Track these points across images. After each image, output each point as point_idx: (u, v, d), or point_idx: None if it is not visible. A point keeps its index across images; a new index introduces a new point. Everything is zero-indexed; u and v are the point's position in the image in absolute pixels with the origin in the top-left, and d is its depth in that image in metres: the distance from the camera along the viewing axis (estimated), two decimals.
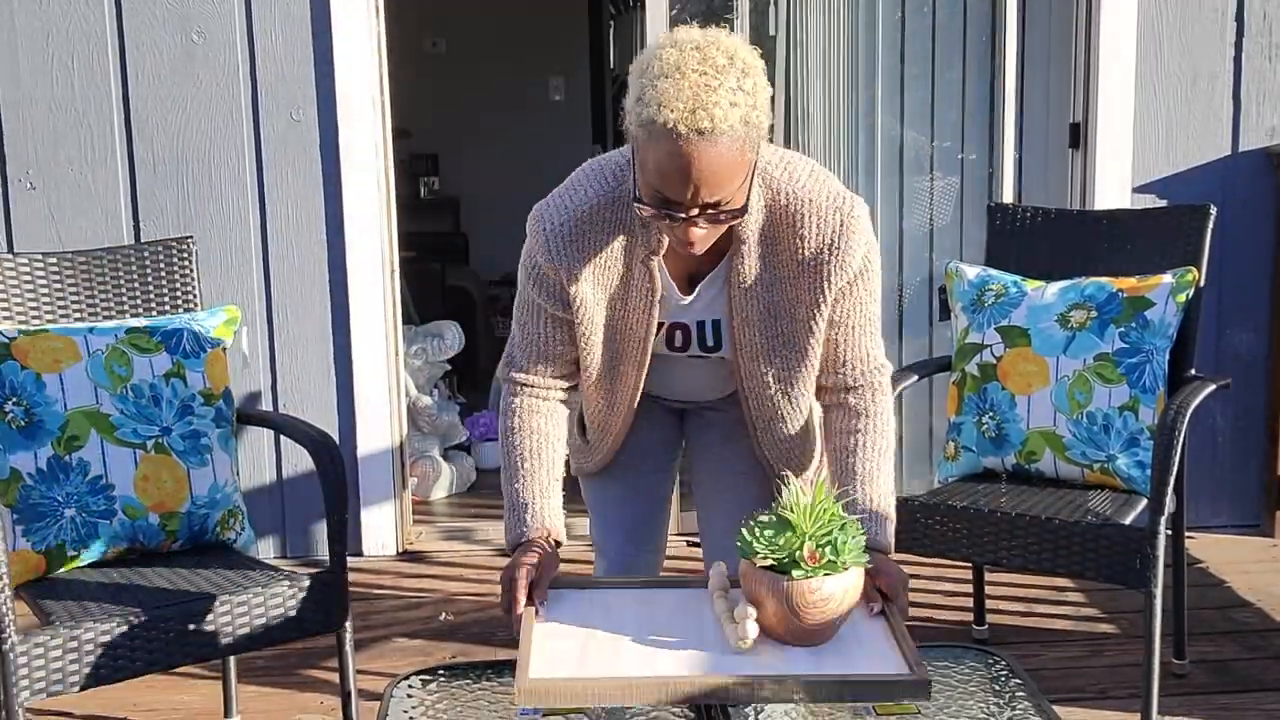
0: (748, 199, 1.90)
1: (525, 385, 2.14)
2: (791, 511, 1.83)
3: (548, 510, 2.07)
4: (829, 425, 2.16)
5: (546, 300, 2.08)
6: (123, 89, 3.79)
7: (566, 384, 2.17)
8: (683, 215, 1.86)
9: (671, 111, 1.78)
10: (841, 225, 2.01)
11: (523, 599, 1.89)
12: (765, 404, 2.17)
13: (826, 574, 1.79)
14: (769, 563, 1.81)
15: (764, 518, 1.86)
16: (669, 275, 2.06)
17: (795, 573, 1.79)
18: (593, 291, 2.05)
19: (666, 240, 1.99)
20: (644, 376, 2.15)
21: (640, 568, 2.41)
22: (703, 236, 1.90)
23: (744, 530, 1.85)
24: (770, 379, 2.12)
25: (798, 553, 1.80)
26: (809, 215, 2.00)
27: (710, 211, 1.86)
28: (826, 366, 2.13)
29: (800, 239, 2.00)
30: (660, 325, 2.09)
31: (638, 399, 2.19)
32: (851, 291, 2.07)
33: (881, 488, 2.09)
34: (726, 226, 1.92)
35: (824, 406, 2.18)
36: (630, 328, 2.08)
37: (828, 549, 1.80)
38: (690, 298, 2.07)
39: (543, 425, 2.13)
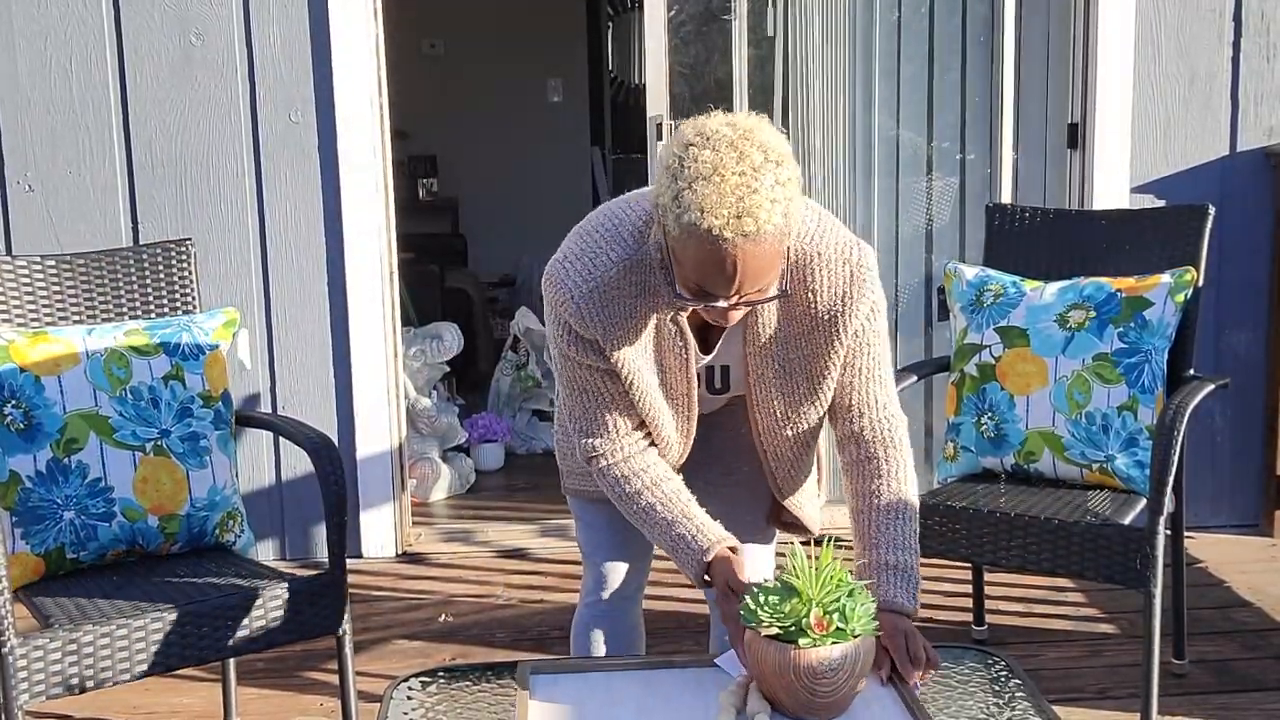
0: (783, 280, 1.95)
1: (613, 454, 2.10)
2: (797, 577, 1.74)
3: (705, 527, 2.05)
4: (847, 484, 2.16)
5: (592, 358, 2.05)
6: (121, 91, 3.79)
7: (644, 433, 2.13)
8: (724, 305, 1.88)
9: (716, 218, 1.78)
10: (851, 277, 2.04)
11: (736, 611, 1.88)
12: (776, 442, 2.19)
13: (835, 642, 1.71)
14: (774, 631, 1.73)
15: (769, 584, 1.78)
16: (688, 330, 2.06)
17: (802, 641, 1.71)
18: (633, 354, 2.04)
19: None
20: (694, 426, 2.14)
21: (630, 576, 2.39)
22: (740, 316, 1.94)
23: (747, 598, 1.77)
24: (781, 420, 2.15)
25: (804, 620, 1.71)
26: (820, 269, 2.02)
27: (750, 296, 1.88)
28: (837, 413, 2.14)
29: (813, 293, 2.02)
30: None
31: (689, 447, 2.18)
32: (859, 336, 2.07)
33: (893, 544, 2.06)
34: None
35: (841, 461, 2.18)
36: (673, 385, 2.09)
37: (836, 615, 1.72)
38: (709, 357, 2.09)
39: (653, 476, 2.11)
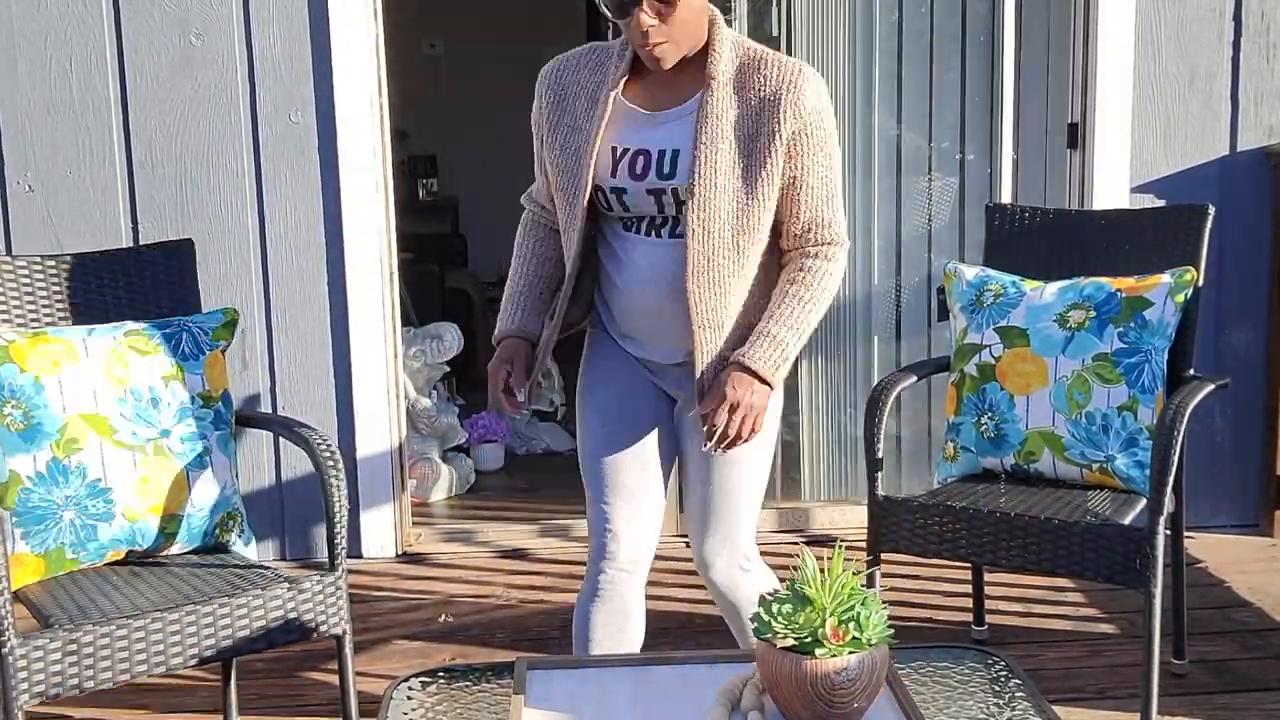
0: (740, 73, 2.27)
1: (531, 209, 2.57)
2: (809, 586, 1.73)
3: (527, 311, 2.47)
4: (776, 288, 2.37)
5: (542, 129, 2.42)
6: (121, 91, 3.79)
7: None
8: (643, 16, 2.18)
9: None
10: (799, 72, 2.28)
11: (500, 383, 2.38)
12: (713, 251, 2.29)
13: (851, 651, 1.70)
14: (789, 643, 1.71)
15: (780, 593, 1.76)
16: (639, 106, 2.33)
17: (819, 651, 1.69)
18: (557, 115, 2.38)
19: (624, 81, 2.33)
20: (585, 216, 2.34)
21: (617, 441, 2.47)
22: (657, 30, 2.21)
23: (760, 610, 1.76)
24: (724, 218, 2.28)
25: (819, 631, 1.70)
26: (771, 60, 2.29)
27: (656, 3, 2.18)
28: (789, 229, 2.33)
29: (763, 77, 2.27)
30: (626, 151, 2.30)
31: (580, 234, 2.36)
32: (807, 143, 2.28)
33: (784, 321, 2.30)
34: (678, 30, 2.22)
35: (782, 275, 2.37)
36: (579, 152, 2.33)
37: (851, 625, 1.70)
38: (655, 113, 2.31)
39: (536, 243, 2.55)
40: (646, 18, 2.19)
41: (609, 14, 2.22)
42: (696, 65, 2.29)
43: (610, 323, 2.47)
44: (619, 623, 2.44)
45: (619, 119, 2.31)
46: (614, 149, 2.31)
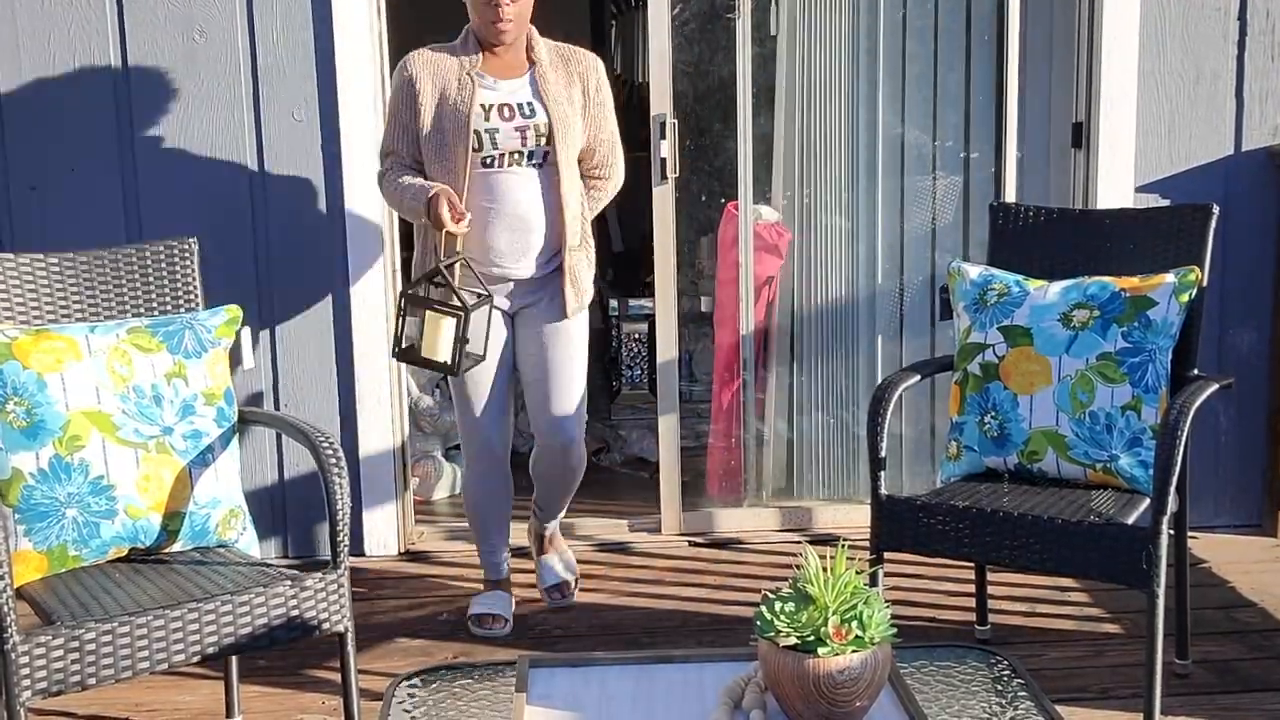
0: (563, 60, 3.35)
1: (395, 159, 3.28)
2: (812, 584, 1.72)
3: (431, 184, 3.18)
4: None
5: (409, 105, 3.25)
6: (125, 89, 3.79)
7: (417, 170, 3.28)
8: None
9: None
10: (593, 57, 3.42)
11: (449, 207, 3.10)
12: (571, 174, 3.31)
13: (854, 650, 1.69)
14: (792, 641, 1.71)
15: (783, 592, 1.76)
16: (493, 77, 3.27)
17: (821, 650, 1.69)
18: (433, 90, 3.23)
19: (481, 59, 3.27)
20: (470, 153, 3.20)
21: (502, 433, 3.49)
22: (509, 9, 3.18)
23: (763, 608, 1.76)
24: (574, 145, 3.29)
25: (822, 629, 1.69)
26: (573, 50, 3.40)
27: None
28: (592, 158, 3.38)
29: (571, 60, 3.36)
30: (492, 106, 3.21)
31: (469, 173, 3.20)
32: (597, 99, 3.36)
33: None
34: (520, 14, 3.22)
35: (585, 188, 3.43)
36: (457, 108, 3.21)
37: (854, 624, 1.70)
38: (504, 80, 3.26)
39: (408, 171, 3.27)
40: (507, 5, 3.18)
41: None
42: (519, 53, 3.30)
43: (476, 252, 3.25)
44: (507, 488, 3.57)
45: (481, 86, 3.23)
46: (483, 105, 3.21)
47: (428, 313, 3.07)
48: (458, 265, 3.14)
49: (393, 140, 3.27)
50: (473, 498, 3.57)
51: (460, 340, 3.06)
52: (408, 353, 3.16)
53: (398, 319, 3.17)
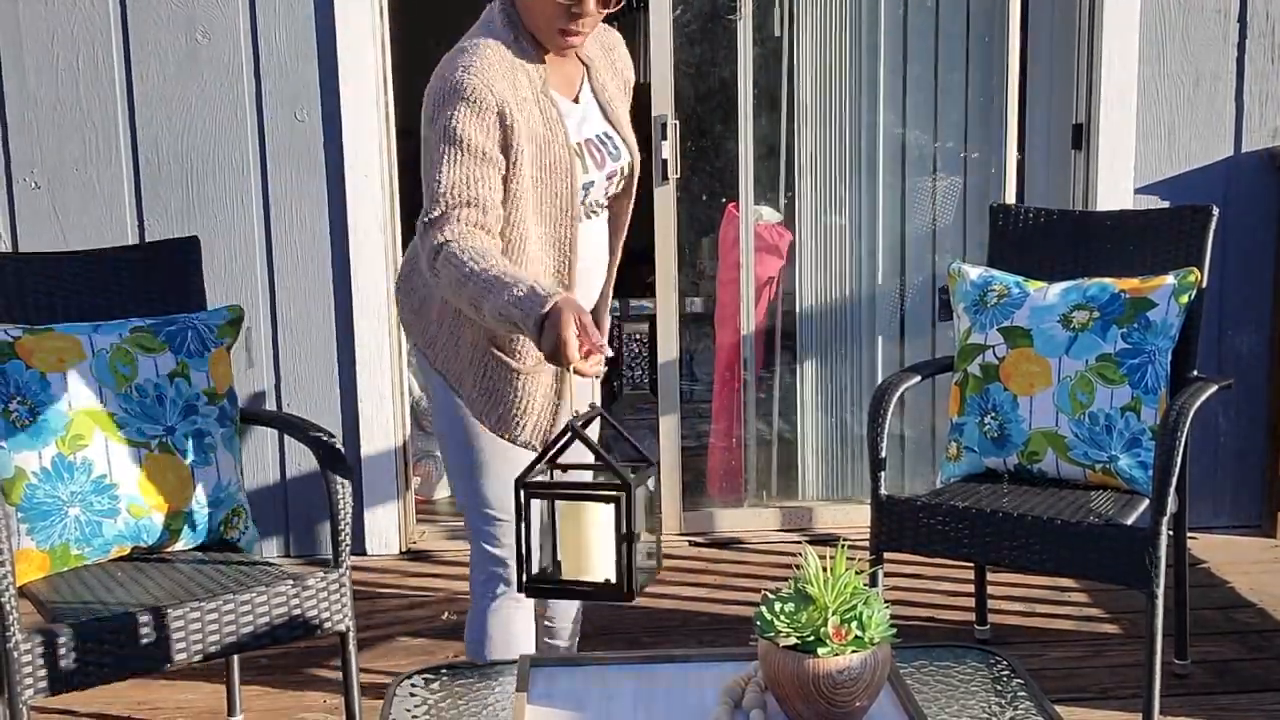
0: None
1: (461, 237, 2.16)
2: (812, 585, 1.72)
3: (544, 283, 2.09)
4: None
5: (484, 137, 2.20)
6: (127, 88, 3.80)
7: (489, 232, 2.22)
8: (593, 3, 2.23)
9: None
10: (618, 37, 2.54)
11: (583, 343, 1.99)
12: (627, 217, 2.51)
13: (854, 651, 1.69)
14: (791, 642, 1.71)
15: (783, 592, 1.76)
16: (563, 97, 2.37)
17: (821, 650, 1.69)
18: (525, 122, 2.25)
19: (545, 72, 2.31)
20: (577, 229, 2.32)
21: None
22: (591, 20, 2.27)
23: (763, 608, 1.76)
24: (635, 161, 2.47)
25: (822, 629, 1.69)
26: (606, 33, 2.49)
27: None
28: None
29: (607, 51, 2.48)
30: (581, 148, 2.34)
31: (577, 256, 2.33)
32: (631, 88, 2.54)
33: None
34: (602, 18, 2.30)
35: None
36: (559, 155, 2.29)
37: (853, 624, 1.70)
38: (574, 103, 2.37)
39: (494, 252, 2.16)
40: (592, 20, 2.28)
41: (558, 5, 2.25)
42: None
43: None
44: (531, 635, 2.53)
45: (564, 116, 2.32)
46: (576, 145, 2.33)
47: (560, 506, 1.89)
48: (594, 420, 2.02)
49: (469, 183, 2.18)
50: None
51: (625, 538, 1.85)
52: (543, 583, 1.92)
53: (518, 528, 1.89)
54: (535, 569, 1.89)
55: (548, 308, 1.99)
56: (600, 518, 1.84)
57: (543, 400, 2.37)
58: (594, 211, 2.41)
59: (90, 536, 2.56)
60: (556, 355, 1.98)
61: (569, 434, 1.89)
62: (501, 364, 2.35)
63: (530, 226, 2.27)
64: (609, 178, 2.40)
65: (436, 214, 2.17)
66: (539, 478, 1.90)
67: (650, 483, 1.94)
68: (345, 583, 2.57)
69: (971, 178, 4.27)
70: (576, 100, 2.38)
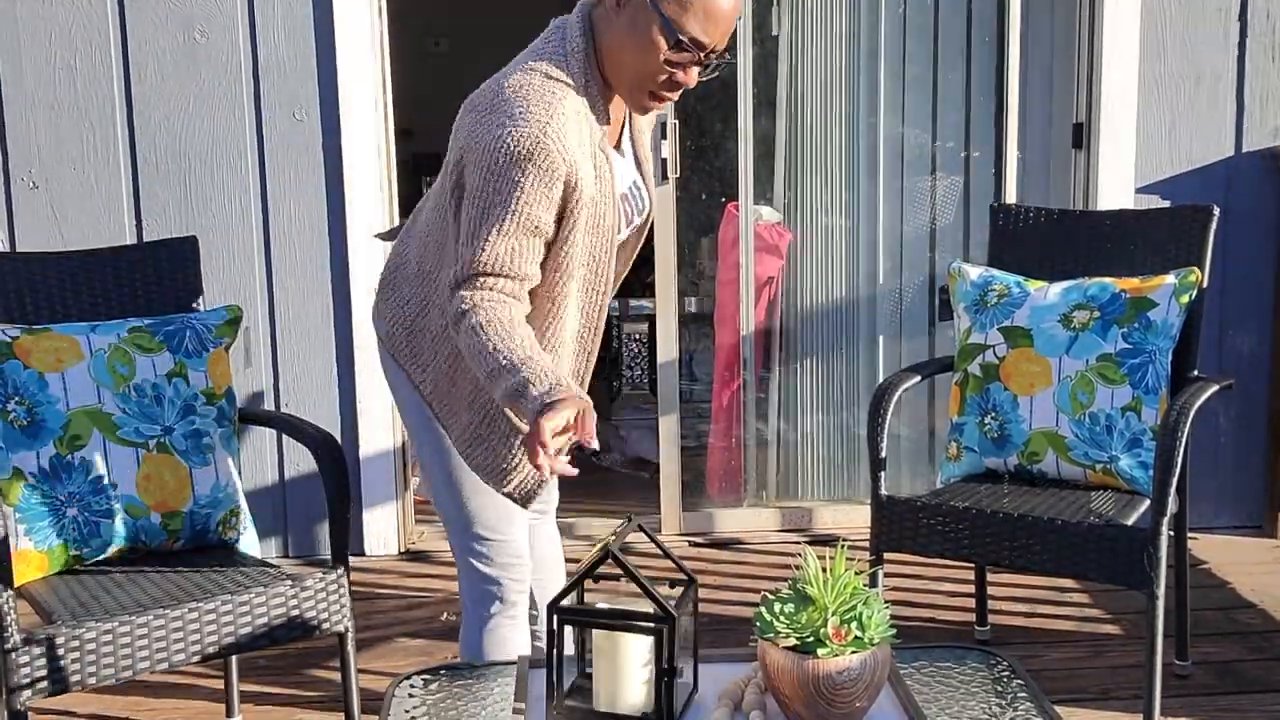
0: None
1: (486, 303, 2.05)
2: (812, 585, 1.72)
3: (559, 368, 2.06)
4: None
5: (545, 211, 2.05)
6: (125, 88, 3.79)
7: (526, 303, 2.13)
8: (704, 55, 2.07)
9: None
10: None
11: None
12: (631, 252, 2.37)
13: (854, 651, 1.69)
14: (791, 642, 1.71)
15: (783, 593, 1.75)
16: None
17: (821, 651, 1.69)
18: (586, 185, 2.08)
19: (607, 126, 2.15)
20: (610, 291, 2.22)
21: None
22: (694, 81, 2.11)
23: (762, 609, 1.76)
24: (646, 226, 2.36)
25: (822, 630, 1.69)
26: None
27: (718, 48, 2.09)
28: None
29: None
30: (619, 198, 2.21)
31: (603, 322, 2.24)
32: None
33: None
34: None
35: None
36: (605, 215, 2.14)
37: (853, 624, 1.70)
38: (619, 152, 2.23)
39: (520, 319, 2.07)
40: (693, 76, 2.10)
41: (665, 43, 2.04)
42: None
43: None
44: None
45: (615, 173, 2.17)
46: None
47: (596, 634, 1.82)
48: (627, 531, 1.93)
49: (513, 256, 2.06)
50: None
51: (666, 671, 1.76)
52: (575, 708, 1.82)
53: (549, 654, 1.80)
54: (566, 688, 1.83)
55: (549, 400, 1.93)
56: (633, 649, 1.78)
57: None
58: None
59: (88, 537, 2.56)
60: (530, 450, 1.92)
61: (605, 555, 1.80)
62: (504, 418, 2.22)
63: (572, 289, 2.16)
64: (635, 231, 2.32)
65: (469, 274, 2.06)
66: (576, 601, 1.81)
67: (690, 606, 1.85)
68: (344, 583, 2.56)
69: (972, 177, 4.27)
70: (618, 147, 2.24)
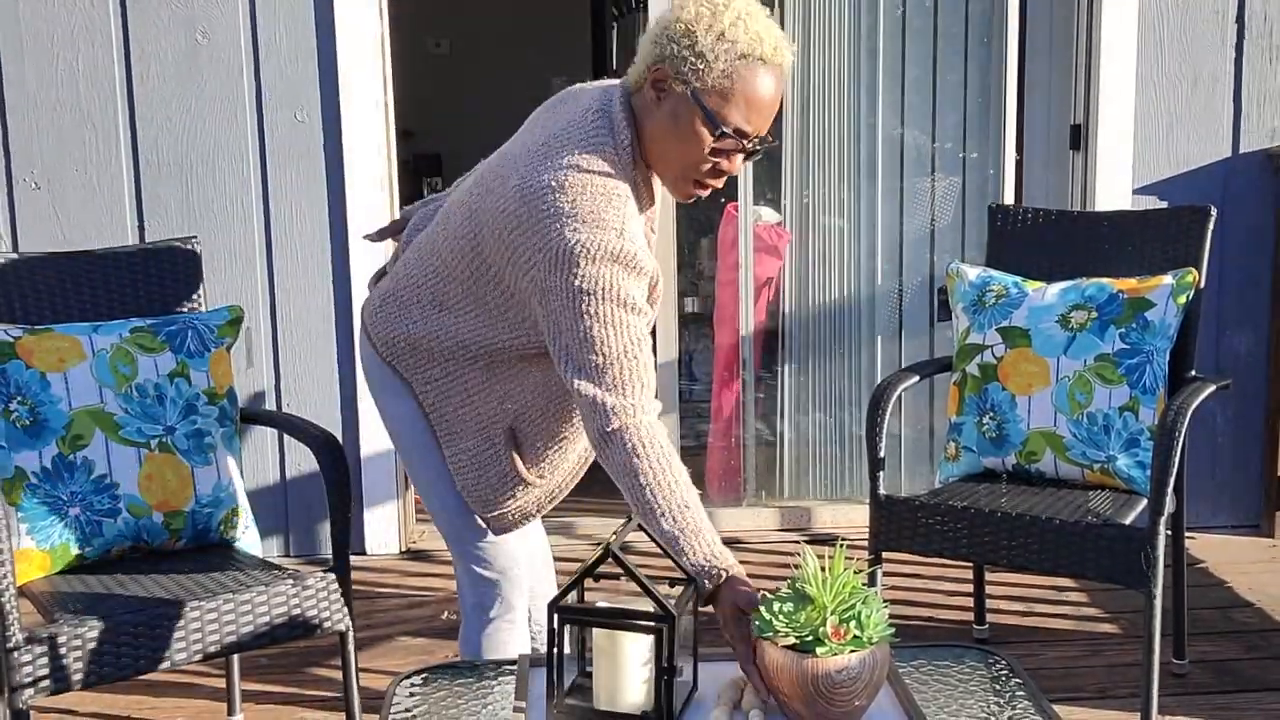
0: None
1: (636, 415, 1.98)
2: (811, 584, 1.72)
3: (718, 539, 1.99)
4: None
5: (643, 298, 2.03)
6: (127, 89, 3.80)
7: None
8: (748, 142, 2.02)
9: (774, 45, 1.98)
10: None
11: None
12: None
13: (853, 650, 1.69)
14: (790, 641, 1.71)
15: (782, 592, 1.75)
16: None
17: (820, 650, 1.68)
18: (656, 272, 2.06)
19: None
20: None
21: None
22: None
23: (761, 608, 1.76)
24: None
25: (820, 629, 1.69)
26: None
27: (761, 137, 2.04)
28: None
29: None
30: None
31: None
32: None
33: None
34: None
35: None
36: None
37: (852, 624, 1.70)
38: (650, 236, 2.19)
39: (670, 447, 2.01)
40: (737, 162, 2.05)
41: (709, 134, 1.99)
42: None
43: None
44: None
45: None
46: None
47: (597, 633, 1.82)
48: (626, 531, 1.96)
49: (648, 368, 2.02)
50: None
51: (666, 670, 1.78)
52: (574, 707, 1.81)
53: (550, 653, 1.80)
54: (566, 687, 1.83)
55: (730, 571, 1.91)
56: (633, 647, 1.78)
57: (528, 502, 2.30)
58: None
59: (90, 536, 2.57)
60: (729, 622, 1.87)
61: (605, 554, 1.80)
62: (512, 463, 2.22)
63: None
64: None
65: (616, 387, 1.97)
66: (576, 600, 1.82)
67: (691, 605, 1.85)
68: (345, 582, 2.57)
69: (970, 178, 4.27)
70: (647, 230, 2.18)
